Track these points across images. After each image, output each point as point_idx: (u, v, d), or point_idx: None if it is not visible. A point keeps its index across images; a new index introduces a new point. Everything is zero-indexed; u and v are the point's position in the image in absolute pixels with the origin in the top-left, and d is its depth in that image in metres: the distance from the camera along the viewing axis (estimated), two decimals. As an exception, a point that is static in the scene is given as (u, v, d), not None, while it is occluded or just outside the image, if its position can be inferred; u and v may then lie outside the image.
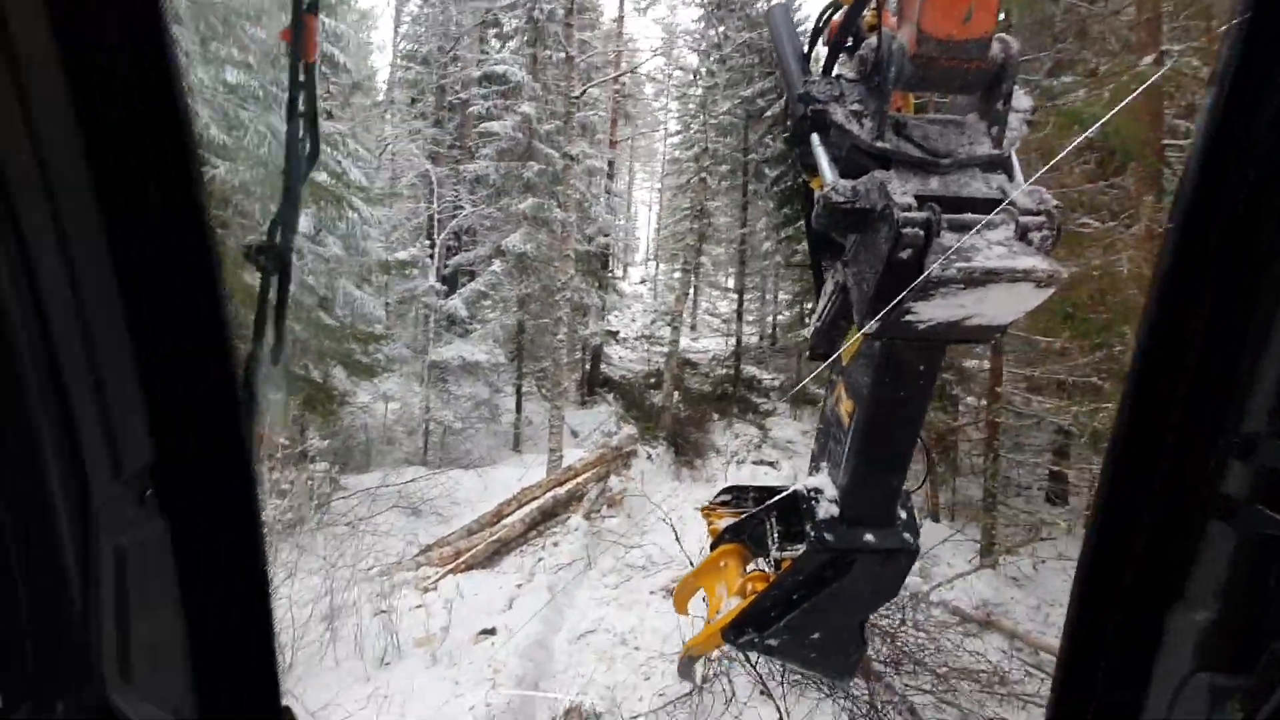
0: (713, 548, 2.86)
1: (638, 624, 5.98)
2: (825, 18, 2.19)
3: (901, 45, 1.75)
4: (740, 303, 20.57)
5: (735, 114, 18.96)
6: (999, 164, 1.89)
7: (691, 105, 24.54)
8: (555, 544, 6.94)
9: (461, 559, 6.70)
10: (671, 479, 11.52)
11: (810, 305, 17.52)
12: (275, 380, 0.95)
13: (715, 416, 15.82)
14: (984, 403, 9.00)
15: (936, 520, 9.29)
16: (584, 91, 10.71)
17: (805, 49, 2.30)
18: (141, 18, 0.56)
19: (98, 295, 0.58)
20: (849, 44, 2.10)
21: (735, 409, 16.86)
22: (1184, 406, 0.68)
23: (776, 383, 19.87)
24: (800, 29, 2.35)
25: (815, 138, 1.97)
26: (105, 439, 0.59)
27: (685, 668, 3.26)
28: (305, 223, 9.18)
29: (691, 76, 24.30)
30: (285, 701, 0.75)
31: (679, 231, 22.86)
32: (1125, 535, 0.72)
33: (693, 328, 26.58)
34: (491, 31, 17.04)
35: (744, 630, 2.46)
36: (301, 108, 1.01)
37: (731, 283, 25.15)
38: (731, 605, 2.55)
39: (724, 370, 19.94)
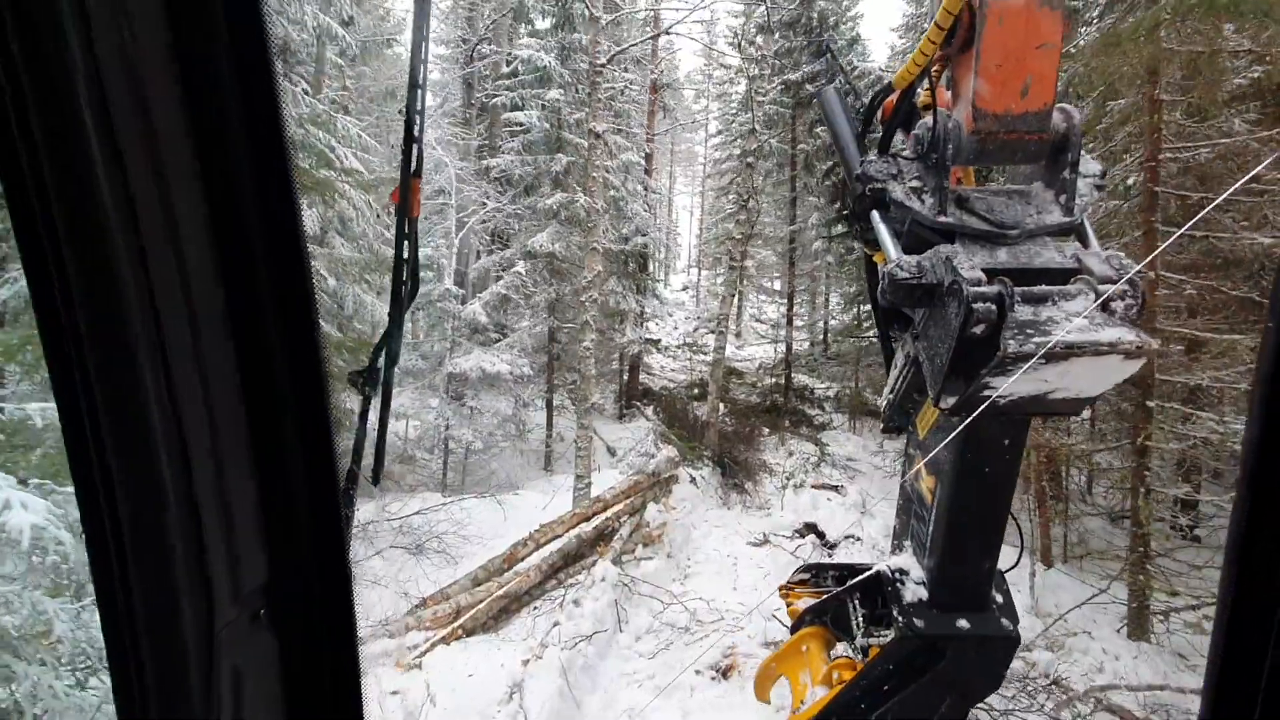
0: (793, 630, 2.88)
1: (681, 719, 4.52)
2: (879, 99, 2.26)
3: (958, 122, 1.80)
4: (790, 306, 19.09)
5: (782, 102, 17.52)
6: (1071, 231, 1.89)
7: (733, 104, 23.45)
8: (576, 602, 5.52)
9: (460, 620, 5.37)
10: (719, 506, 10.00)
11: (868, 308, 15.93)
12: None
13: (765, 431, 14.26)
14: (1106, 422, 7.25)
15: (1049, 566, 7.53)
16: (612, 58, 9.38)
17: (860, 129, 2.34)
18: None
19: (228, 420, 0.61)
20: (904, 123, 2.15)
21: (787, 422, 15.29)
22: None
23: (831, 393, 18.25)
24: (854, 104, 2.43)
25: (875, 215, 1.98)
26: (229, 561, 0.62)
27: None
28: (312, 222, 8.14)
29: (732, 75, 23.24)
30: None
31: (722, 234, 21.56)
32: (1263, 627, 0.63)
33: (738, 335, 25.18)
34: (523, 27, 16.05)
35: None
36: (405, 255, 1.24)
37: (779, 286, 23.73)
38: (818, 694, 2.50)
39: (773, 379, 18.48)
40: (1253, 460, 0.63)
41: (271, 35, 0.60)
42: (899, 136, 2.26)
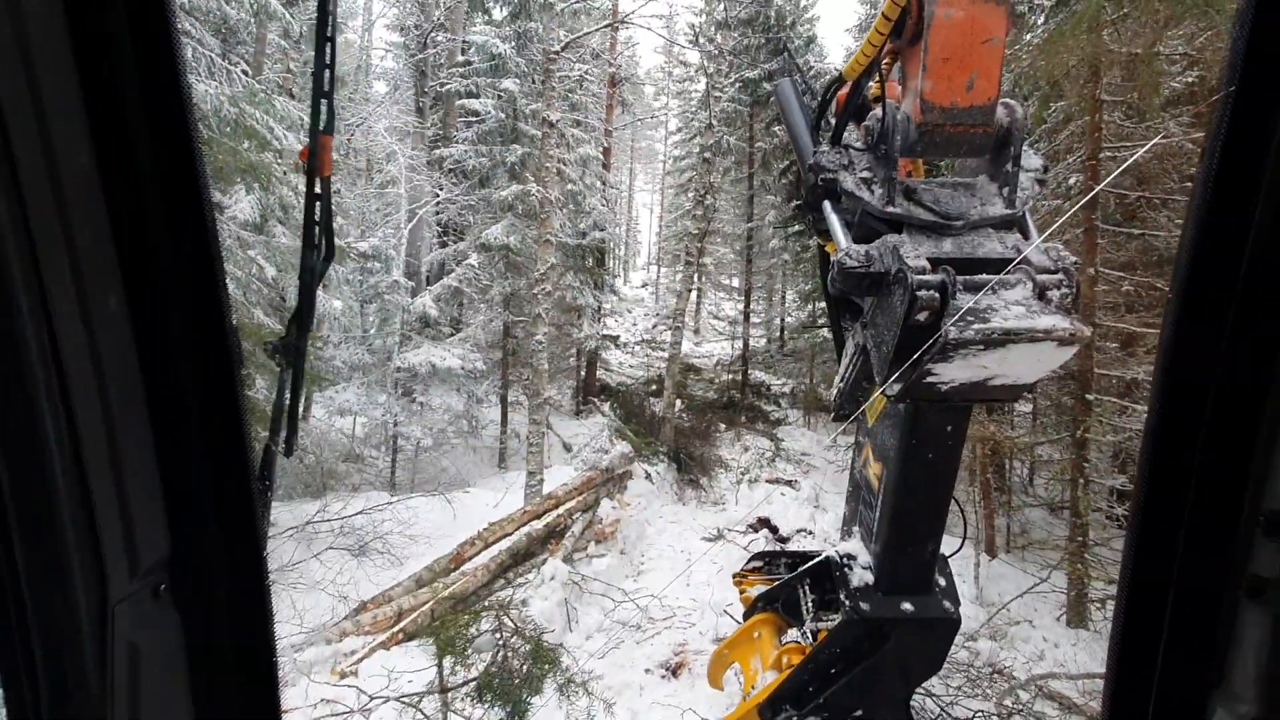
0: (745, 617, 2.90)
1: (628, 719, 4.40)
2: (831, 91, 2.26)
3: (906, 114, 1.81)
4: (747, 303, 19.21)
5: (740, 100, 17.57)
6: (1013, 224, 1.92)
7: (693, 102, 23.46)
8: (525, 602, 5.36)
9: (402, 624, 5.14)
10: (674, 501, 9.94)
11: (823, 305, 16.11)
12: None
13: (722, 427, 14.27)
14: (1047, 415, 7.42)
15: (993, 556, 7.67)
16: (567, 45, 9.19)
17: (814, 121, 2.33)
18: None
19: (122, 384, 0.58)
20: (856, 115, 2.18)
21: (743, 418, 15.36)
22: (1206, 481, 0.66)
23: (787, 389, 18.41)
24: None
25: (827, 204, 2.01)
26: (125, 534, 0.60)
27: None
28: (249, 208, 7.72)
29: (692, 73, 23.27)
30: None
31: (681, 231, 21.57)
32: (1157, 615, 0.70)
33: (696, 331, 25.26)
34: (478, 15, 15.67)
35: (781, 707, 2.40)
36: (318, 217, 1.19)
37: (737, 283, 23.88)
38: (768, 679, 2.54)
39: (729, 376, 18.56)
40: (1150, 446, 0.67)
41: (174, 12, 0.57)
42: (850, 128, 2.27)
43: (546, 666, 4.50)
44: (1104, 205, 7.00)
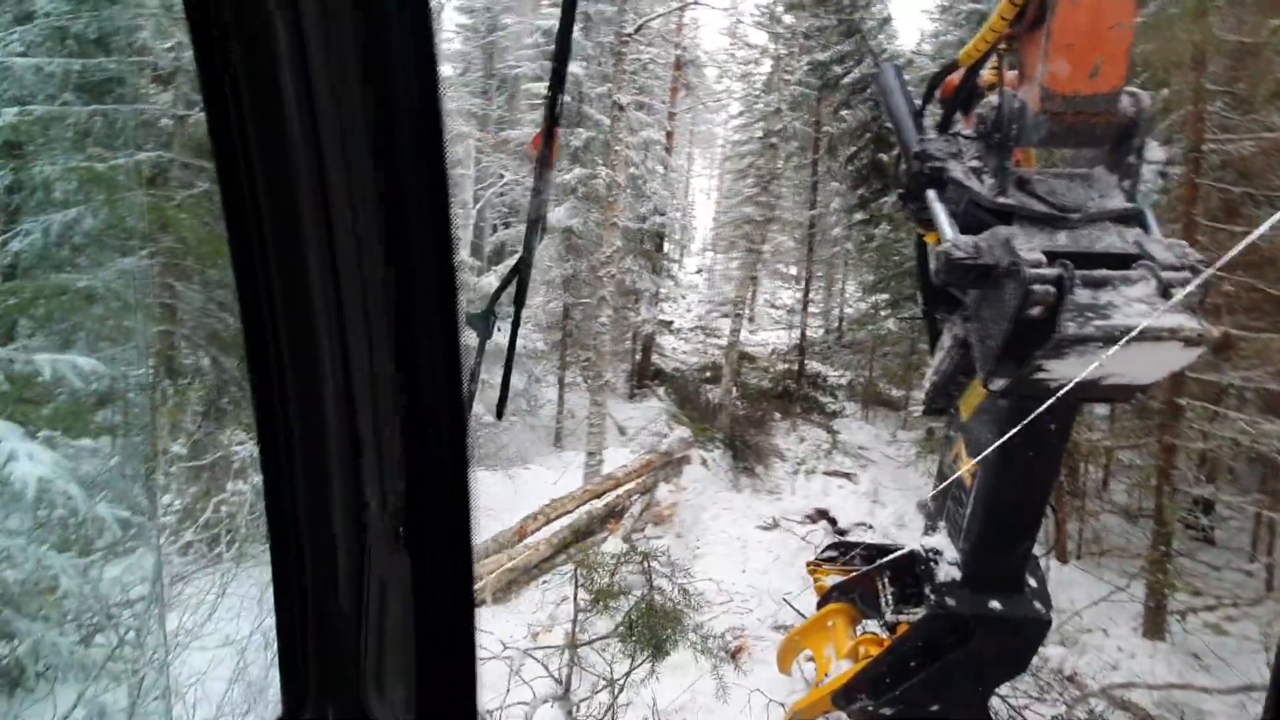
0: (819, 606, 2.81)
1: (688, 700, 4.47)
2: (940, 77, 2.14)
3: (1024, 102, 1.75)
4: (806, 292, 18.87)
5: (808, 83, 17.12)
6: (1133, 218, 1.80)
7: (756, 85, 22.98)
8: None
9: (481, 587, 5.33)
10: (730, 489, 9.93)
11: (886, 297, 15.68)
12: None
13: (777, 416, 14.14)
14: (1131, 418, 7.07)
15: (1064, 562, 7.40)
16: (639, 27, 9.15)
17: (919, 106, 2.17)
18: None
19: (383, 347, 0.68)
20: (964, 103, 2.08)
21: (799, 408, 15.16)
22: None
23: (844, 380, 18.08)
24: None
25: (931, 194, 1.92)
26: (379, 481, 0.70)
27: None
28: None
29: (757, 55, 22.77)
30: None
31: (738, 218, 21.27)
32: None
33: (751, 319, 24.96)
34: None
35: (857, 696, 2.38)
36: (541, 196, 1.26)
37: (795, 271, 23.47)
38: (842, 668, 2.50)
39: (785, 365, 18.31)
40: None
41: (438, 39, 0.65)
42: (958, 117, 2.17)
43: (688, 610, 4.71)
44: (1205, 199, 6.57)
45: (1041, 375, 1.71)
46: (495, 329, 1.28)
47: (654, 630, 4.26)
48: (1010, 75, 1.93)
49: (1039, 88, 1.69)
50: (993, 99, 1.83)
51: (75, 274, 5.81)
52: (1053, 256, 1.65)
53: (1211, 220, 6.94)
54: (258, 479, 4.62)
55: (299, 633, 0.71)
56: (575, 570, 5.16)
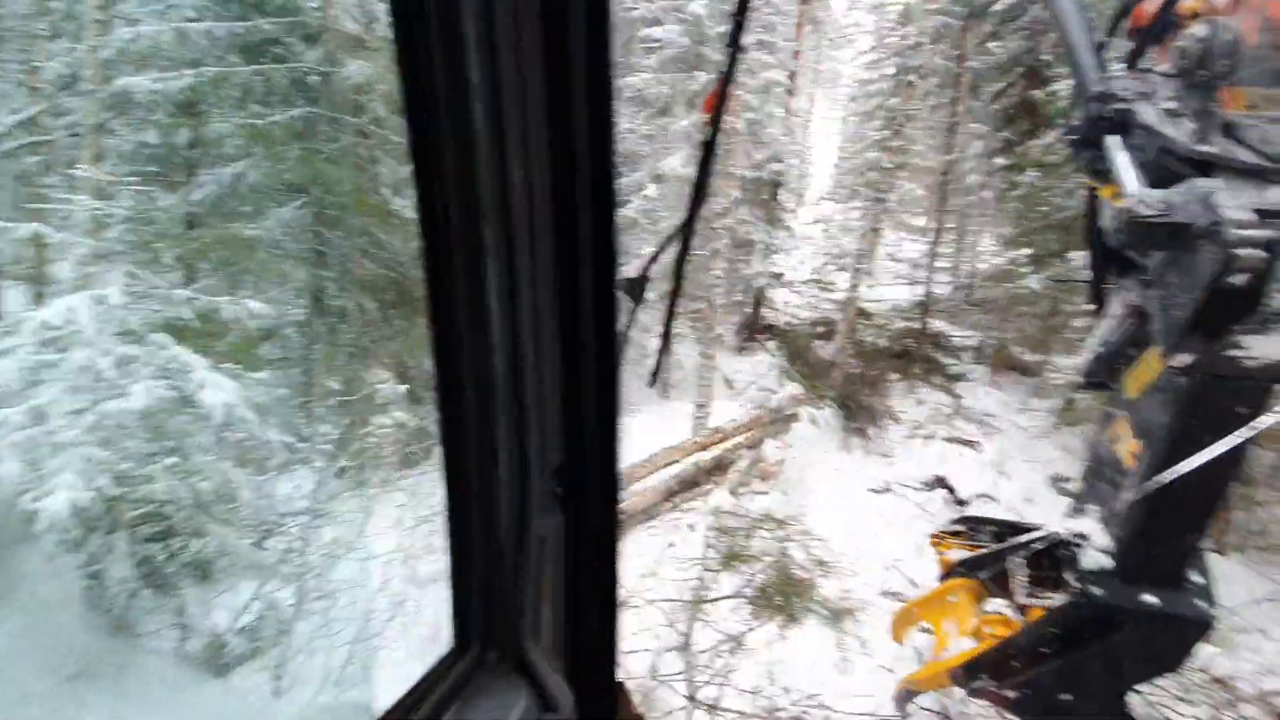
0: (941, 579, 2.76)
1: (792, 665, 4.51)
2: (1129, 4, 2.01)
3: (1237, 34, 1.59)
4: (935, 245, 17.57)
5: (952, 12, 15.51)
6: None
7: (890, 16, 21.12)
8: (691, 526, 5.59)
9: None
10: (839, 449, 9.69)
11: (1029, 252, 14.30)
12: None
13: (894, 376, 13.49)
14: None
15: (1222, 554, 6.65)
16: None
17: (1103, 38, 2.03)
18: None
19: (546, 321, 0.72)
20: (1159, 35, 1.89)
21: (919, 369, 14.36)
22: None
23: (972, 342, 16.85)
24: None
25: (1114, 140, 1.75)
26: (540, 444, 0.75)
27: (901, 702, 2.99)
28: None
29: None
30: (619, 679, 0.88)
31: (862, 164, 19.96)
32: None
33: (869, 273, 23.74)
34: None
35: (977, 675, 2.31)
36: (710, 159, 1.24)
37: (922, 223, 21.87)
38: (963, 645, 2.46)
39: (905, 323, 17.30)
40: None
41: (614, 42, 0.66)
42: (1151, 50, 1.98)
43: (821, 574, 4.85)
44: None
45: (1236, 353, 1.54)
46: (648, 294, 1.27)
47: (787, 598, 4.36)
48: (1220, 2, 1.72)
49: (1259, 16, 1.54)
50: (1197, 30, 1.63)
51: (243, 223, 6.46)
52: (1265, 216, 1.47)
53: None
54: (399, 414, 5.12)
55: (468, 580, 0.78)
56: (709, 527, 5.28)
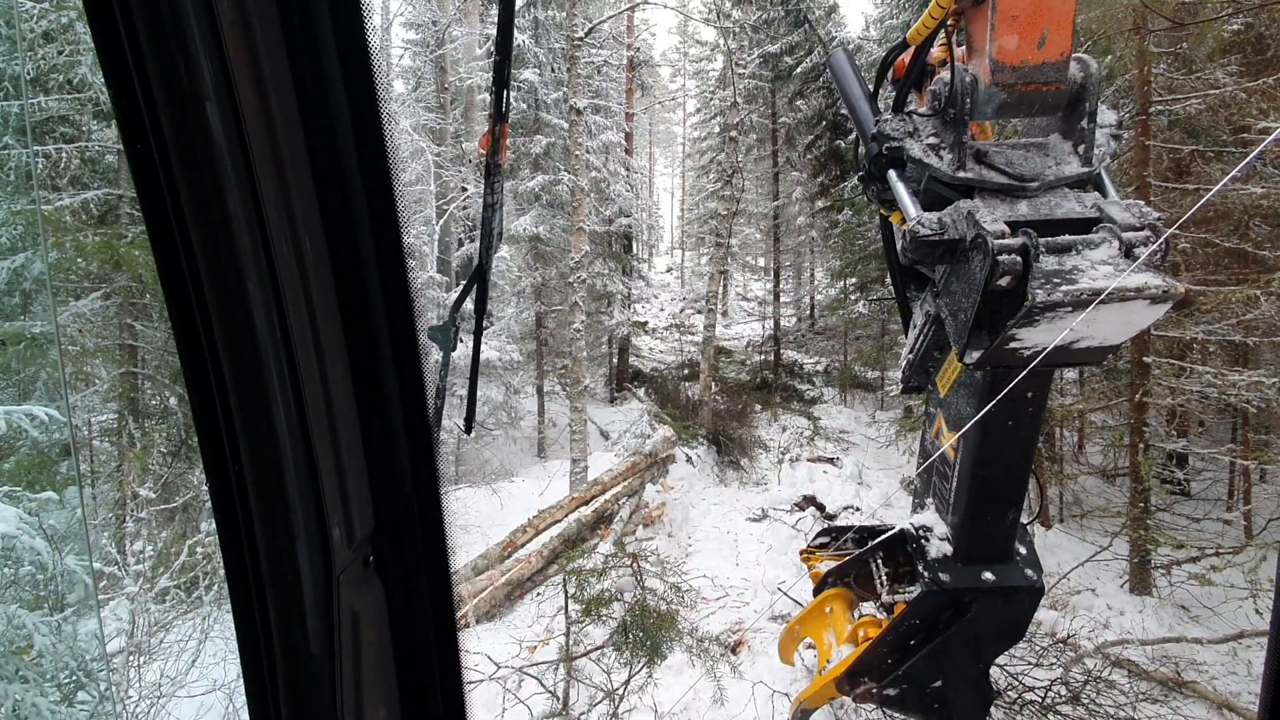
0: (815, 593, 2.79)
1: (692, 699, 4.45)
2: (891, 57, 2.17)
3: (975, 76, 1.76)
4: (776, 282, 19.01)
5: (761, 76, 17.27)
6: (1090, 182, 1.86)
7: (710, 81, 23.18)
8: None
9: (464, 610, 5.25)
10: (716, 483, 9.95)
11: (854, 281, 15.84)
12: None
13: (758, 408, 14.20)
14: (1100, 380, 7.23)
15: (1048, 527, 7.54)
16: (590, 31, 9.12)
17: (872, 88, 2.23)
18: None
19: (338, 373, 0.65)
20: (917, 81, 2.08)
21: (779, 398, 15.26)
22: None
23: (820, 367, 18.26)
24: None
25: (893, 174, 1.93)
26: (344, 512, 0.66)
27: None
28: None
29: (709, 51, 22.97)
30: None
31: (704, 214, 21.36)
32: None
33: (724, 313, 25.12)
34: (493, 7, 15.62)
35: (860, 680, 2.37)
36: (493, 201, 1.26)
37: (764, 263, 23.62)
38: (843, 654, 2.48)
39: (761, 356, 18.43)
40: None
41: (371, 39, 0.62)
42: (911, 95, 2.24)
43: (683, 607, 4.66)
44: (1156, 161, 6.74)
45: (1015, 344, 1.73)
46: (458, 340, 1.23)
47: (649, 633, 4.22)
48: (960, 51, 1.96)
49: (989, 60, 1.72)
50: (944, 75, 1.86)
51: (28, 320, 5.61)
52: (1016, 226, 1.69)
53: (1163, 180, 7.13)
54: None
55: (268, 680, 0.66)
56: (564, 580, 5.10)
